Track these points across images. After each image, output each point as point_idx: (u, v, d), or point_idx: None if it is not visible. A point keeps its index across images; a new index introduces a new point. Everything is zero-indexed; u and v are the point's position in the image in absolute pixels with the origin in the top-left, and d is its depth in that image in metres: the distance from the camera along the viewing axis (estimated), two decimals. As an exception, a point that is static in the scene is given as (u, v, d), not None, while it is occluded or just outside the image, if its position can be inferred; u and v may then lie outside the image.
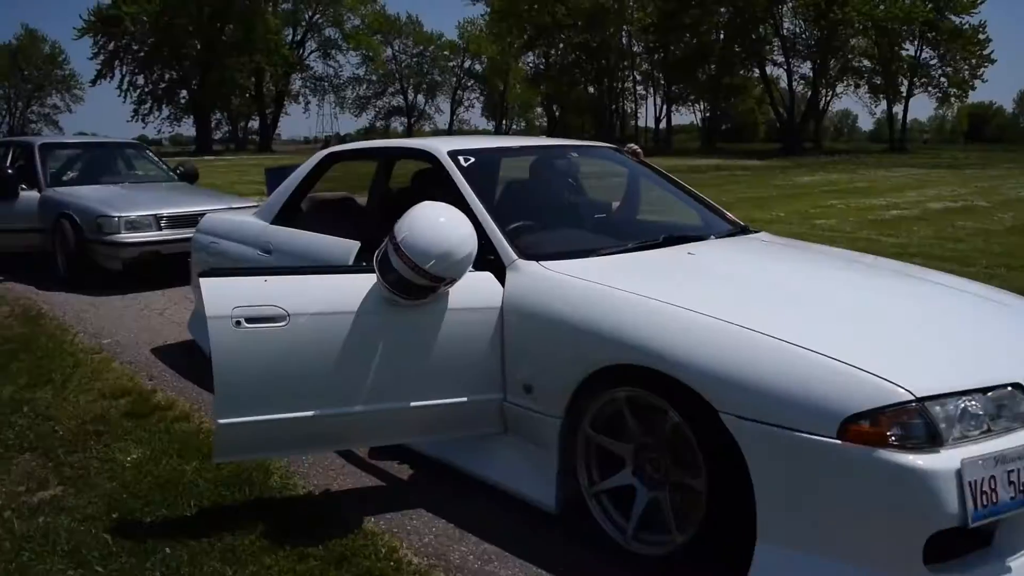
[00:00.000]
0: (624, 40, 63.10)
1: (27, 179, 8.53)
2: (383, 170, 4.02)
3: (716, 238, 3.75)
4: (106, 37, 52.52)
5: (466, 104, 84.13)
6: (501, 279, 3.12)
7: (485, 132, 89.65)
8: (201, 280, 2.87)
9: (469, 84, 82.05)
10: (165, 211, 7.74)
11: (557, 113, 72.74)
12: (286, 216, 4.49)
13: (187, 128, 59.66)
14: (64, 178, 8.70)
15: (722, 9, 52.09)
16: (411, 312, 2.97)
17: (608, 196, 4.61)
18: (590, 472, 2.87)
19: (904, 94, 51.86)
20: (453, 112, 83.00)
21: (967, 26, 47.76)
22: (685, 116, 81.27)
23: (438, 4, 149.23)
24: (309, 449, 3.26)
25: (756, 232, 4.02)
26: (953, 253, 9.49)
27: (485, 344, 3.04)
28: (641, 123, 71.68)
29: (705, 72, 54.96)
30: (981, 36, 47.70)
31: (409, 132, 79.19)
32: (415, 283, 2.83)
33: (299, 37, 61.50)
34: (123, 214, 7.51)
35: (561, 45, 65.91)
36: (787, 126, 51.80)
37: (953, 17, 47.74)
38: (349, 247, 3.80)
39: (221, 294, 2.83)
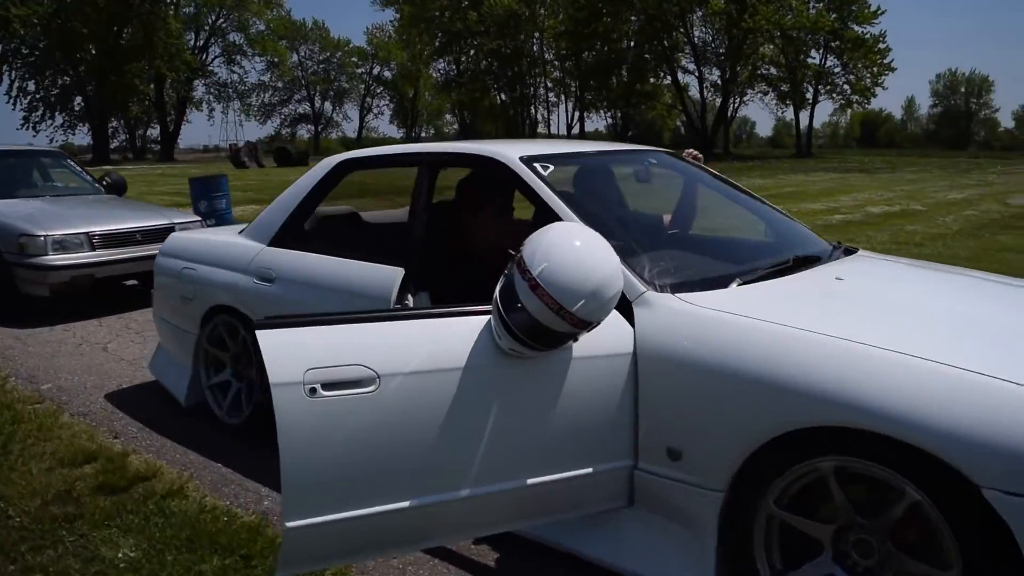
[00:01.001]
0: (536, 47, 63.10)
1: (-75, 193, 7.38)
2: (425, 180, 3.29)
3: (830, 258, 3.17)
4: (-7, 40, 49.25)
5: (375, 111, 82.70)
6: (627, 317, 2.46)
7: (392, 140, 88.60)
8: (259, 334, 2.10)
9: (378, 91, 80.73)
10: (98, 228, 6.75)
11: (468, 120, 72.23)
12: (288, 236, 3.70)
13: (81, 137, 56.54)
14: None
15: (632, 17, 52.54)
16: (530, 365, 2.29)
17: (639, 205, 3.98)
18: (770, 559, 2.24)
19: (810, 101, 53.32)
20: (362, 119, 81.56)
21: (868, 35, 49.47)
22: (593, 123, 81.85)
23: (344, 10, 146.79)
24: (399, 549, 2.48)
25: (855, 249, 3.48)
26: (928, 259, 9.29)
27: (615, 400, 2.38)
28: (552, 129, 71.81)
29: (618, 79, 55.23)
30: (882, 45, 49.45)
31: (316, 139, 77.38)
32: (553, 329, 2.15)
33: (202, 42, 59.09)
34: (50, 233, 6.49)
35: (472, 52, 65.45)
36: (699, 132, 52.61)
37: (855, 27, 49.34)
38: (389, 276, 3.09)
39: (288, 352, 2.08)
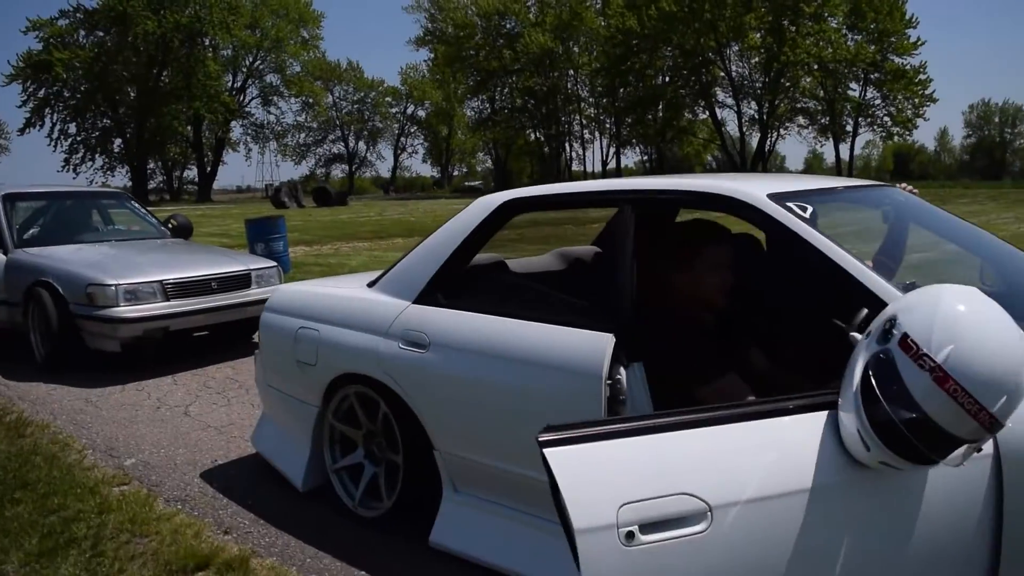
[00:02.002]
0: (571, 84, 63.04)
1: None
2: (628, 224, 2.63)
3: None
4: (36, 84, 49.85)
5: (410, 150, 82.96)
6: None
7: (424, 180, 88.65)
8: (549, 455, 1.45)
9: (412, 130, 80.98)
10: (171, 276, 6.18)
11: (503, 157, 72.16)
12: (440, 292, 3.06)
13: (119, 179, 56.94)
14: (35, 237, 7.03)
15: (668, 52, 52.20)
16: (885, 479, 1.61)
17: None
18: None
19: (850, 133, 52.49)
20: (396, 158, 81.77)
21: (908, 67, 48.65)
22: (626, 159, 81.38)
23: (378, 51, 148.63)
24: None
25: None
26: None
27: (974, 515, 1.70)
28: (585, 167, 71.54)
29: (654, 115, 54.76)
30: (922, 76, 48.60)
31: (351, 179, 77.64)
32: (954, 435, 1.48)
33: (239, 83, 59.60)
34: (121, 281, 5.92)
35: (506, 89, 65.54)
36: (737, 168, 51.91)
37: (895, 58, 48.60)
38: (595, 343, 2.44)
39: (594, 481, 1.43)
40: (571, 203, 3.09)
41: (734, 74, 51.88)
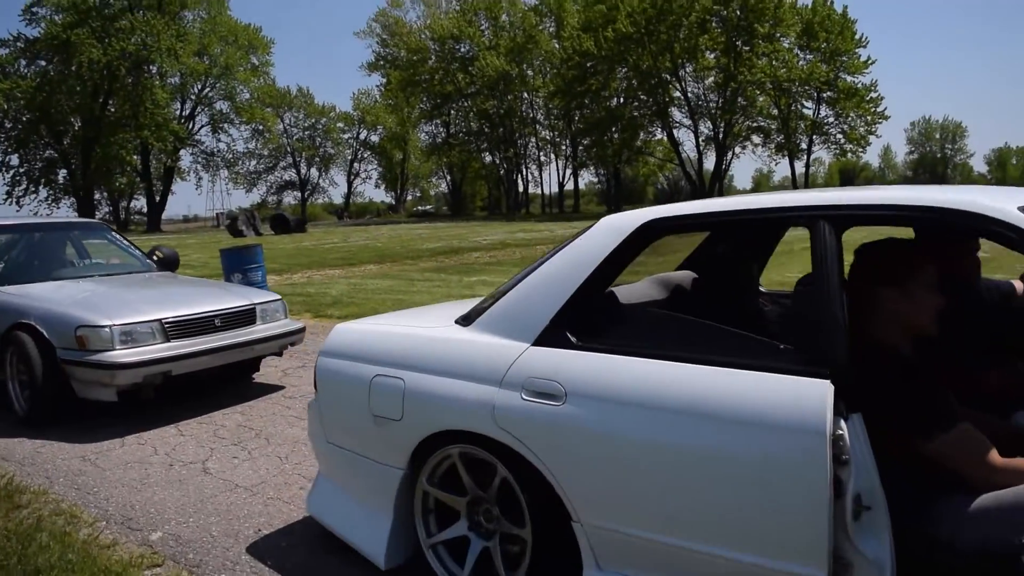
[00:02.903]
0: (526, 107, 63.05)
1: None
2: (830, 245, 2.13)
3: None
4: (-25, 116, 48.27)
5: (363, 176, 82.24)
6: None
7: (376, 206, 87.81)
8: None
9: (365, 155, 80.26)
10: (170, 314, 5.53)
11: (459, 181, 71.85)
12: (569, 330, 2.53)
13: (64, 210, 55.11)
14: (7, 274, 6.30)
15: (621, 73, 52.40)
16: None
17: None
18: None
19: (805, 151, 53.23)
20: (350, 184, 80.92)
21: (860, 85, 49.58)
22: (581, 179, 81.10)
23: (329, 77, 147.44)
24: None
25: None
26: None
27: None
28: (542, 189, 71.54)
29: (609, 137, 54.83)
30: (874, 94, 49.57)
31: (303, 206, 76.56)
32: None
33: (188, 111, 58.32)
34: (115, 321, 5.26)
35: (461, 113, 65.37)
36: (696, 188, 52.30)
37: (847, 77, 49.51)
38: (809, 392, 1.98)
39: None
40: (734, 223, 2.58)
41: (690, 94, 52.35)
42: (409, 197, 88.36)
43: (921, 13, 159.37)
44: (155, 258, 7.23)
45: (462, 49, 61.40)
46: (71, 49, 46.91)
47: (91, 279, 6.45)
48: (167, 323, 5.45)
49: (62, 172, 52.25)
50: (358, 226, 49.37)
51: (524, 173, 67.32)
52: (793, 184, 55.45)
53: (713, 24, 48.45)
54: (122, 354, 5.18)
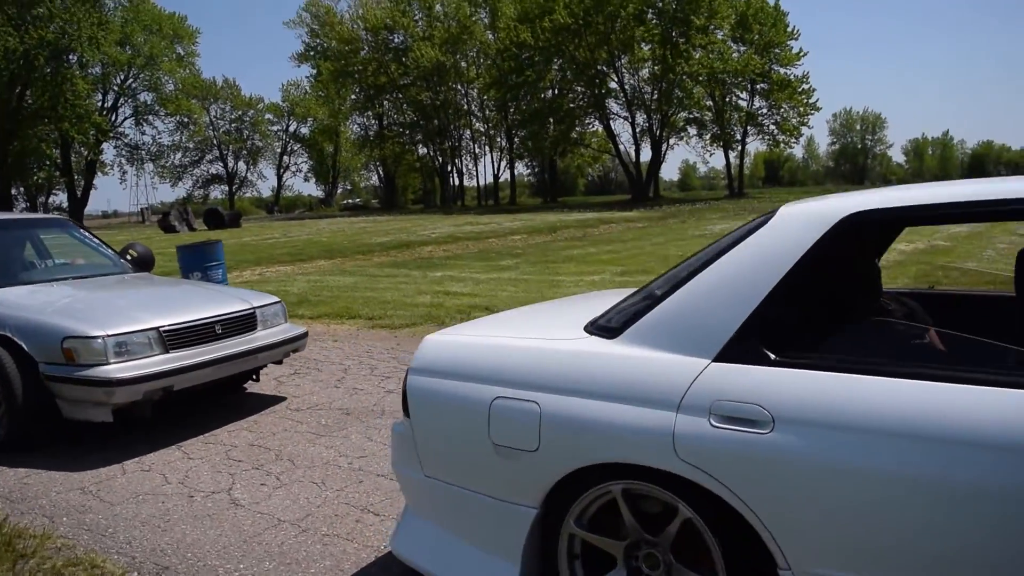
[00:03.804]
0: (459, 98, 62.37)
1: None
2: None
3: None
4: None
5: (293, 169, 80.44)
6: None
7: (305, 200, 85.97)
8: None
9: (295, 148, 78.45)
10: (168, 322, 4.93)
11: (392, 173, 70.74)
12: (763, 342, 2.12)
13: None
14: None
15: (556, 63, 52.14)
16: None
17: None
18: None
19: (739, 142, 53.94)
20: (280, 177, 79.06)
21: (792, 76, 50.45)
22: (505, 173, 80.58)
23: (256, 68, 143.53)
24: None
25: None
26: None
27: None
28: (478, 181, 70.99)
29: (547, 128, 54.55)
30: (805, 85, 50.48)
31: (231, 200, 74.51)
32: None
33: (110, 103, 55.88)
34: (108, 332, 4.64)
35: (388, 105, 64.36)
36: (634, 180, 52.56)
37: (779, 69, 50.30)
38: None
39: None
40: (960, 215, 2.19)
41: (627, 86, 52.46)
42: (339, 190, 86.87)
43: (840, 5, 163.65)
44: (128, 257, 6.56)
45: (396, 40, 60.34)
46: (-15, 37, 44.38)
47: (65, 282, 5.77)
48: (165, 331, 4.85)
49: (-25, 167, 49.50)
50: (292, 220, 48.08)
51: (459, 165, 66.68)
52: (728, 173, 56.17)
53: (649, 16, 48.60)
54: (117, 368, 4.57)
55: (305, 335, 5.86)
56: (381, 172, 74.08)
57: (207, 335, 5.09)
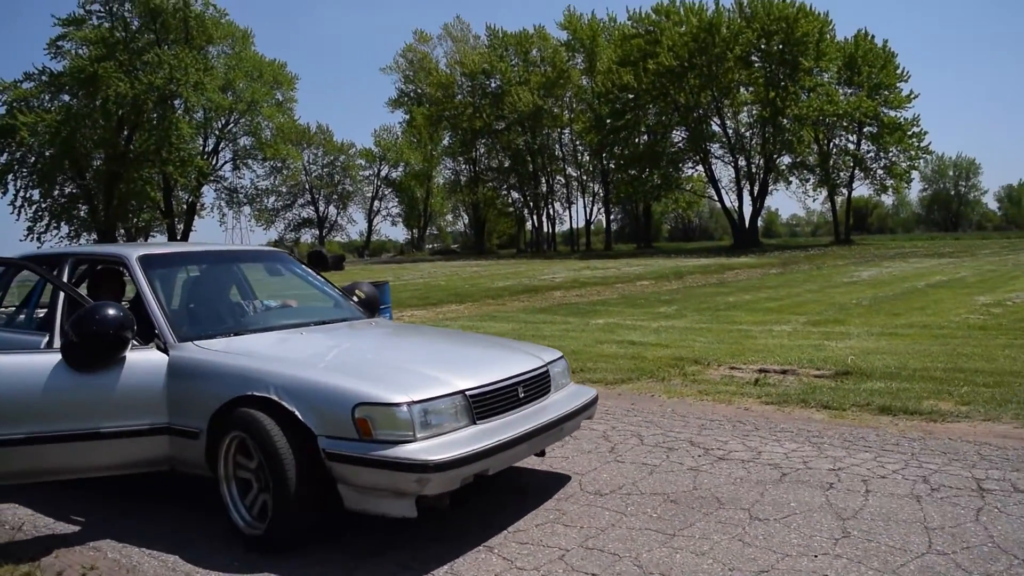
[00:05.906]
0: (559, 142, 61.89)
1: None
2: None
3: None
4: (-2, 150, 46.82)
5: (384, 213, 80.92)
6: None
7: (394, 242, 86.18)
8: None
9: (386, 193, 78.96)
10: (472, 384, 3.76)
11: (482, 218, 70.32)
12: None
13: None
14: (200, 321, 4.55)
15: (655, 108, 50.94)
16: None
17: None
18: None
19: (846, 187, 51.78)
20: (371, 221, 79.54)
21: (903, 119, 48.23)
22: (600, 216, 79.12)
23: (347, 114, 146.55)
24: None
25: None
26: None
27: None
28: (572, 225, 70.07)
29: (649, 172, 53.11)
30: (916, 128, 48.19)
31: (321, 243, 75.17)
32: None
33: (211, 146, 56.92)
34: (413, 397, 3.49)
35: (483, 149, 64.14)
36: (736, 227, 50.82)
37: (889, 111, 48.18)
38: None
39: None
40: None
41: (730, 130, 50.93)
42: (427, 234, 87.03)
43: (934, 45, 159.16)
44: (355, 299, 5.48)
45: (492, 84, 60.21)
46: (97, 82, 45.53)
47: (317, 328, 4.68)
48: (472, 396, 3.68)
49: (84, 207, 50.71)
50: (387, 264, 47.63)
51: (551, 210, 65.84)
52: (834, 218, 53.89)
53: (754, 59, 47.22)
54: (428, 447, 3.40)
55: (595, 399, 4.63)
56: (468, 217, 73.80)
57: (511, 400, 3.91)
